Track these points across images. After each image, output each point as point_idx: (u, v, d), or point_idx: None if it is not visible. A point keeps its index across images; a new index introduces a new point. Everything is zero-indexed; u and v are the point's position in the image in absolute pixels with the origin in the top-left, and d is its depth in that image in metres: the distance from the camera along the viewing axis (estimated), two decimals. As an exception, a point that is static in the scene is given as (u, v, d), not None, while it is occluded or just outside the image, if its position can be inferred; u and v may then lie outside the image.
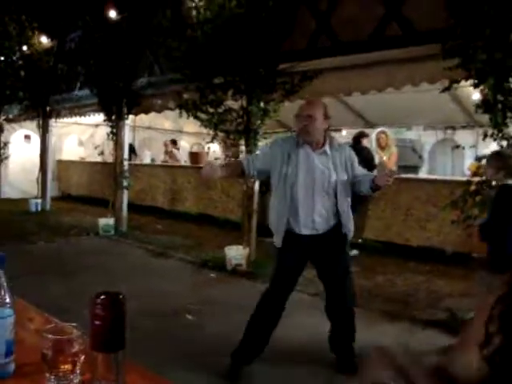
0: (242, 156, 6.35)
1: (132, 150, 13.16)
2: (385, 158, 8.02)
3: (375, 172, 7.47)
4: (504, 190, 3.78)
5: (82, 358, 1.07)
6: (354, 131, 8.46)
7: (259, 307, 3.51)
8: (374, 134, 8.07)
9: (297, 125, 3.47)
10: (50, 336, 1.13)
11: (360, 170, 3.60)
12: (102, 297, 0.54)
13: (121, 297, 0.54)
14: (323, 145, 3.46)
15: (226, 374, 3.41)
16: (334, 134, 10.51)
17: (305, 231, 3.44)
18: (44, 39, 11.04)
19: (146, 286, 5.59)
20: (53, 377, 1.09)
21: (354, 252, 7.40)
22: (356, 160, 3.60)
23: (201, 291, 5.53)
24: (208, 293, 5.44)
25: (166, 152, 12.57)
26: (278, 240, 3.48)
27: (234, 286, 5.75)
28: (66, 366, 1.09)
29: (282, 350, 3.88)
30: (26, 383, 1.16)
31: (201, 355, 3.75)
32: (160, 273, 6.38)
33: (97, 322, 0.52)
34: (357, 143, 7.54)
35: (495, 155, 3.87)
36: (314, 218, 3.42)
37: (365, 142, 7.64)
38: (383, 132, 8.17)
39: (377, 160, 7.90)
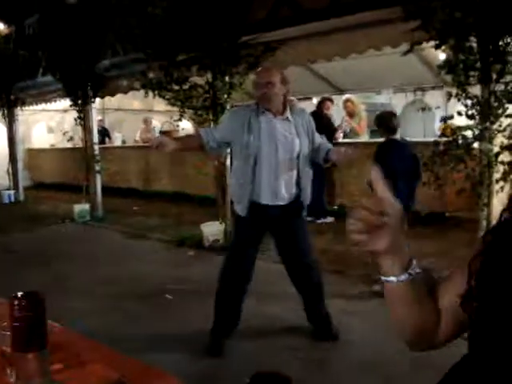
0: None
1: (106, 133, 13.01)
2: (354, 125, 8.06)
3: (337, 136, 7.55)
4: (382, 146, 4.57)
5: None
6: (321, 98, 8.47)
7: (222, 282, 3.51)
8: (340, 101, 8.07)
9: (256, 93, 3.42)
10: (8, 333, 1.12)
11: (318, 138, 3.60)
12: (20, 298, 0.53)
13: (39, 296, 0.53)
14: (284, 111, 3.42)
15: (207, 350, 3.44)
16: (304, 102, 10.49)
17: (268, 201, 3.40)
18: (0, 26, 10.73)
19: (124, 269, 5.59)
20: (14, 373, 1.09)
21: (330, 219, 7.48)
22: (314, 126, 3.60)
23: (179, 270, 5.54)
24: (186, 271, 5.46)
25: (147, 130, 12.26)
26: (241, 209, 3.44)
27: (212, 262, 5.75)
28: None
29: (264, 322, 3.94)
30: (-13, 380, 1.16)
31: (183, 334, 3.79)
32: (138, 255, 6.37)
33: (16, 324, 0.51)
34: (322, 109, 7.55)
35: (376, 116, 4.51)
36: (278, 188, 3.39)
37: (328, 107, 7.65)
38: (349, 100, 8.19)
39: (347, 128, 7.94)
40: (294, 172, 3.42)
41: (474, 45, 4.29)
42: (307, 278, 3.65)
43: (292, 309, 3.95)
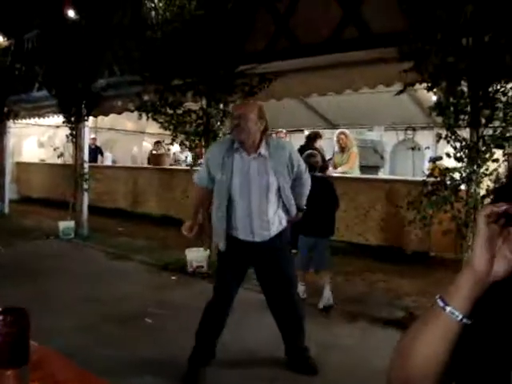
0: (201, 161, 6.33)
1: (99, 151, 13.00)
2: (342, 161, 8.14)
3: (328, 172, 7.58)
4: None
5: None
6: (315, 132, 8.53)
7: (205, 314, 3.51)
8: (334, 135, 8.15)
9: (230, 125, 3.45)
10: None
11: (303, 173, 3.56)
12: (4, 313, 0.53)
13: (22, 311, 0.54)
14: (259, 147, 3.34)
15: (184, 378, 3.40)
16: (296, 134, 10.57)
17: (245, 237, 3.39)
18: (0, 38, 10.79)
19: (105, 290, 5.53)
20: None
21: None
22: (299, 161, 3.51)
23: (161, 294, 5.49)
24: (168, 296, 5.41)
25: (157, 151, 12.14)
26: (220, 244, 3.46)
27: (194, 288, 5.73)
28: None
29: (241, 351, 3.90)
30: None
31: (159, 359, 3.74)
32: (120, 276, 6.31)
33: (-1, 339, 0.52)
34: (308, 144, 7.58)
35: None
36: (252, 226, 3.36)
37: (318, 143, 7.72)
38: (343, 133, 8.26)
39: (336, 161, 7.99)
40: (271, 209, 3.37)
41: (465, 89, 4.39)
42: (288, 312, 3.63)
43: (272, 340, 3.91)
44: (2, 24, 10.77)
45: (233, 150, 3.36)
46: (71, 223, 8.87)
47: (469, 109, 4.40)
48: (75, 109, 8.80)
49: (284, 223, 3.47)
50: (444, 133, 4.58)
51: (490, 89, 4.31)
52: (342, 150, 8.09)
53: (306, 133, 12.17)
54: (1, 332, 0.52)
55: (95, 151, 12.37)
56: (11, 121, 11.49)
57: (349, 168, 8.17)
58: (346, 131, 8.51)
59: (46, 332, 3.71)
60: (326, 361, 3.78)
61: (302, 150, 7.71)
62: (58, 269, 6.49)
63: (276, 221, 3.41)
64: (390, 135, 12.71)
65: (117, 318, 4.64)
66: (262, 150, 3.34)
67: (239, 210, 3.34)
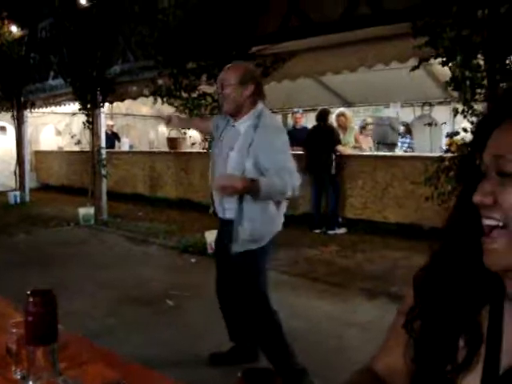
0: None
1: (116, 137, 13.10)
2: (352, 140, 8.15)
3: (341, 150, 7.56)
4: None
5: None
6: (332, 110, 8.50)
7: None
8: (334, 115, 8.10)
9: None
10: (14, 330, 1.15)
11: (271, 167, 2.79)
12: (34, 295, 0.57)
13: (51, 293, 0.57)
14: (238, 117, 2.96)
15: (207, 358, 3.45)
16: (312, 114, 10.53)
17: (219, 213, 3.12)
18: (14, 28, 10.86)
19: (126, 274, 5.62)
20: (19, 370, 1.12)
21: (342, 230, 7.51)
22: (275, 149, 2.83)
23: (181, 276, 5.57)
24: (188, 278, 5.48)
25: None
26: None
27: (214, 269, 5.77)
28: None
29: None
30: (-7, 377, 1.19)
31: (181, 340, 3.80)
32: (141, 260, 6.41)
33: (30, 318, 0.55)
34: (324, 121, 7.55)
35: None
36: (223, 203, 3.02)
37: (329, 120, 7.71)
38: (342, 114, 8.22)
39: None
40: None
41: (481, 62, 4.34)
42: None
43: (291, 319, 3.95)
44: (16, 14, 10.84)
45: (225, 118, 3.12)
46: (91, 209, 8.98)
47: (485, 82, 4.34)
48: (90, 96, 8.85)
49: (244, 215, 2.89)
50: (461, 107, 4.54)
51: (507, 61, 4.25)
52: (344, 130, 8.07)
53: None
54: (30, 312, 0.55)
55: (112, 137, 12.46)
56: (28, 110, 11.59)
57: (359, 148, 8.25)
58: (346, 112, 8.46)
59: (69, 316, 3.80)
60: (345, 338, 3.82)
61: (315, 129, 7.72)
62: (79, 254, 6.60)
63: (235, 205, 2.90)
64: (407, 111, 12.60)
65: (138, 300, 4.72)
66: (240, 121, 2.96)
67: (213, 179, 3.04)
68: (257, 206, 2.84)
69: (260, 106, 2.97)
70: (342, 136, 7.81)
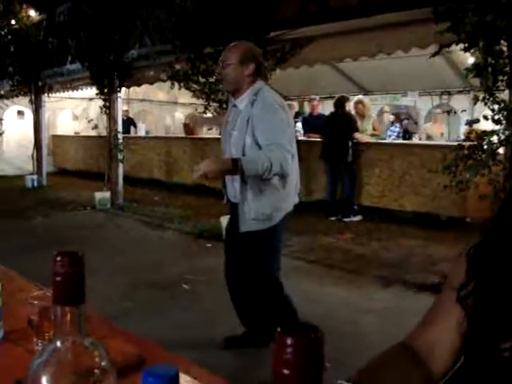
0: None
1: (132, 123, 13.15)
2: (370, 128, 8.11)
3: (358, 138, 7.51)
4: None
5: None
6: (350, 97, 8.45)
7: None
8: (352, 103, 8.04)
9: None
10: (36, 302, 1.16)
11: (264, 143, 2.77)
12: (62, 255, 0.56)
13: (79, 254, 0.57)
14: (238, 96, 2.93)
15: (221, 342, 3.46)
16: (329, 101, 10.46)
17: (231, 197, 3.10)
18: (32, 13, 10.90)
19: (142, 258, 5.65)
20: (40, 342, 1.13)
21: (358, 217, 7.48)
22: (270, 125, 2.79)
23: (197, 261, 5.59)
24: (204, 262, 5.50)
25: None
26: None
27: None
28: (52, 332, 1.13)
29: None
30: (15, 348, 1.20)
31: (197, 323, 3.82)
32: (156, 244, 6.44)
33: (58, 279, 0.55)
34: (342, 108, 7.50)
35: None
36: (233, 183, 2.99)
37: (347, 107, 7.65)
38: (360, 102, 8.16)
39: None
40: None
41: (505, 48, 4.26)
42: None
43: (306, 306, 3.95)
44: (34, -2, 10.88)
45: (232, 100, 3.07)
46: (107, 194, 9.04)
47: (508, 69, 4.27)
48: (108, 80, 8.87)
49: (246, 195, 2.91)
50: (481, 95, 4.47)
51: (531, 47, 4.17)
52: (362, 118, 8.01)
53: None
54: (59, 272, 0.55)
55: (128, 123, 12.50)
56: (46, 95, 11.65)
57: (378, 133, 8.23)
58: (365, 99, 8.41)
59: (86, 298, 3.84)
60: (360, 324, 3.81)
61: (333, 116, 7.67)
62: (96, 238, 6.65)
63: (238, 187, 2.93)
64: (425, 100, 12.49)
65: (154, 284, 4.74)
66: (239, 100, 2.93)
67: None
68: (257, 185, 2.83)
69: (259, 83, 2.92)
70: (359, 123, 7.75)
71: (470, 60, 5.10)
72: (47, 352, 0.58)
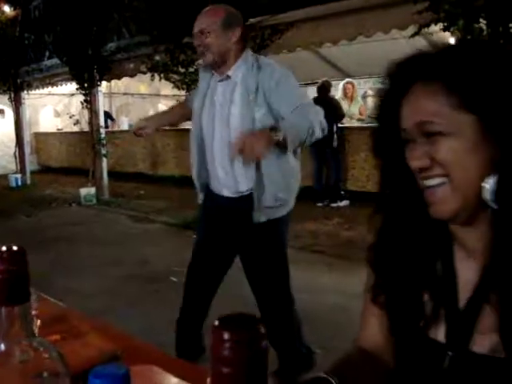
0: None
1: (108, 116, 12.99)
2: (356, 112, 8.09)
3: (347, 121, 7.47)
4: None
5: (38, 322, 1.06)
6: (333, 83, 8.41)
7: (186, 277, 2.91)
8: (340, 84, 8.01)
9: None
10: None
11: (286, 111, 2.33)
12: (2, 252, 0.52)
13: (20, 250, 0.52)
14: (226, 66, 2.43)
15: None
16: (312, 88, 10.43)
17: (214, 189, 2.61)
18: (7, 9, 10.70)
19: (129, 252, 5.61)
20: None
21: (345, 202, 7.48)
22: (290, 87, 2.41)
23: (184, 253, 5.47)
24: (191, 254, 5.45)
25: None
26: (199, 195, 2.73)
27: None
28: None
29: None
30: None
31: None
32: (143, 238, 6.39)
33: None
34: (325, 94, 7.46)
35: None
36: (217, 174, 2.52)
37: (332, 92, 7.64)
38: (350, 83, 8.17)
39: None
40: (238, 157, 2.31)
41: (484, 27, 4.23)
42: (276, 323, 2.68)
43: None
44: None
45: (211, 72, 2.54)
46: (92, 189, 8.96)
47: (488, 47, 4.25)
48: (87, 74, 8.75)
49: (257, 179, 2.40)
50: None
51: (511, 25, 4.15)
52: (350, 100, 7.97)
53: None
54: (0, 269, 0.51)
55: (104, 116, 12.34)
56: (25, 92, 11.48)
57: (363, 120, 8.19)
58: (354, 82, 8.41)
59: (71, 294, 3.80)
60: (352, 311, 3.79)
61: (316, 101, 7.62)
62: (82, 234, 6.59)
63: (246, 173, 2.43)
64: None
65: (142, 278, 4.70)
66: (231, 70, 2.44)
67: (208, 151, 2.53)
68: (276, 161, 2.38)
69: (249, 51, 2.51)
70: (347, 107, 7.73)
71: (451, 40, 5.07)
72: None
